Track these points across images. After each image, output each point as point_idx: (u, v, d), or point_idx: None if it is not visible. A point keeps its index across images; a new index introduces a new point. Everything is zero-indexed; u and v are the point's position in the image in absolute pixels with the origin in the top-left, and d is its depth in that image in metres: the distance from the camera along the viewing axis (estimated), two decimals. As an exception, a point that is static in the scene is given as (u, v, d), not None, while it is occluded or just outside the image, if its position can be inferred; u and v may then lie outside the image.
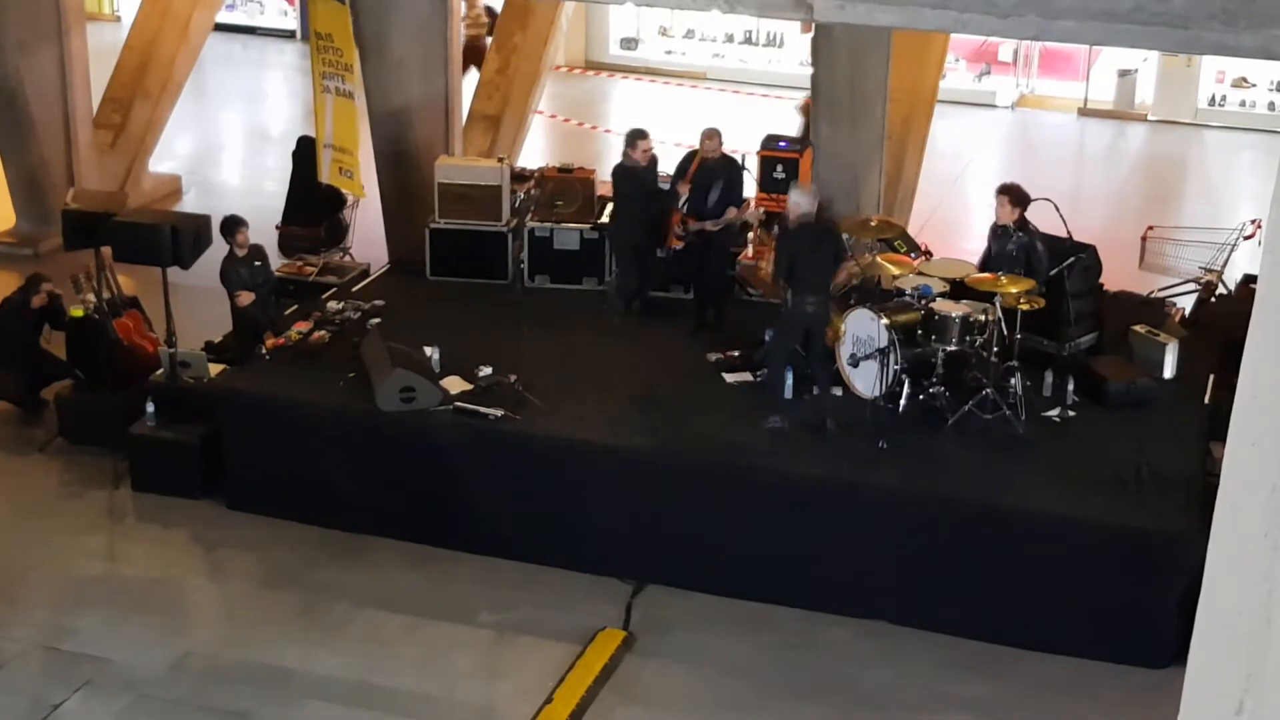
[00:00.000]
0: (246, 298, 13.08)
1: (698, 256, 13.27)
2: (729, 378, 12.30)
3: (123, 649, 10.51)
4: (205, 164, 20.94)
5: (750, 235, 14.33)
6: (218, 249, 13.19)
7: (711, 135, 13.31)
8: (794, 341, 11.92)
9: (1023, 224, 12.01)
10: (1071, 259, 12.13)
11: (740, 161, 13.68)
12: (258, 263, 13.33)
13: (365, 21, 14.52)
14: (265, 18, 27.26)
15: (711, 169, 13.22)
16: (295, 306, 13.71)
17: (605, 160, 19.49)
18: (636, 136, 13.34)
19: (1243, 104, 23.39)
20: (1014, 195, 12.08)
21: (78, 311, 13.39)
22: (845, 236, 13.01)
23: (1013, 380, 11.51)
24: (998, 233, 12.14)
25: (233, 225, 13.19)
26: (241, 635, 10.77)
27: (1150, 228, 15.35)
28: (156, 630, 10.76)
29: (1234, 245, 14.64)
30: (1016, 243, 11.94)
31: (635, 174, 13.34)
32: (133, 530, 12.20)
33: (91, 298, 13.38)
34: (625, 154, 13.42)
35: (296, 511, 11.99)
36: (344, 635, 10.75)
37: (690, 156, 13.55)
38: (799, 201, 11.82)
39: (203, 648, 10.63)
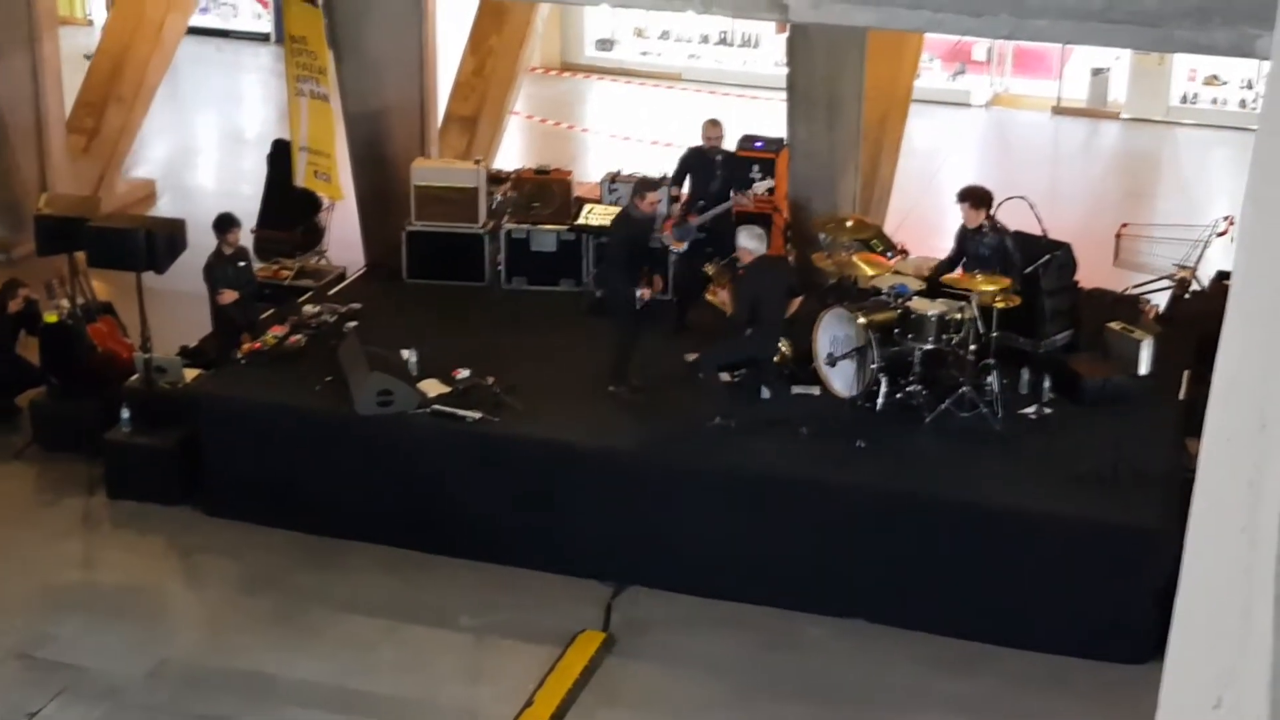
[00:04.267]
0: (229, 296, 13.04)
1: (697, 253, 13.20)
2: (706, 378, 12.30)
3: (100, 656, 10.47)
4: (180, 168, 20.88)
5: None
6: (192, 254, 13.14)
7: (715, 124, 13.45)
8: (729, 361, 11.92)
9: (992, 224, 12.05)
10: (1047, 257, 12.16)
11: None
12: (242, 264, 13.30)
13: (340, 24, 14.48)
14: (239, 21, 27.17)
15: (712, 160, 13.30)
16: (272, 310, 13.67)
17: (582, 162, 19.53)
18: (646, 188, 12.44)
19: (1214, 101, 23.47)
20: (975, 198, 12.13)
21: (52, 317, 13.33)
22: (822, 236, 13.03)
23: (989, 378, 11.54)
24: (969, 235, 12.17)
25: (226, 224, 13.17)
26: (220, 641, 10.74)
27: (1124, 225, 15.39)
28: (134, 637, 10.72)
29: (1207, 242, 14.67)
30: (988, 243, 11.98)
31: (637, 224, 12.52)
32: (109, 537, 12.16)
33: (65, 303, 13.33)
34: (632, 203, 12.48)
35: (274, 516, 11.95)
36: (323, 640, 10.72)
37: (686, 159, 13.54)
38: (748, 246, 11.70)
39: (181, 654, 10.60)
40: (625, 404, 11.97)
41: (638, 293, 12.05)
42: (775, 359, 11.95)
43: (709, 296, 12.43)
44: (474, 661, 10.68)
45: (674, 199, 13.51)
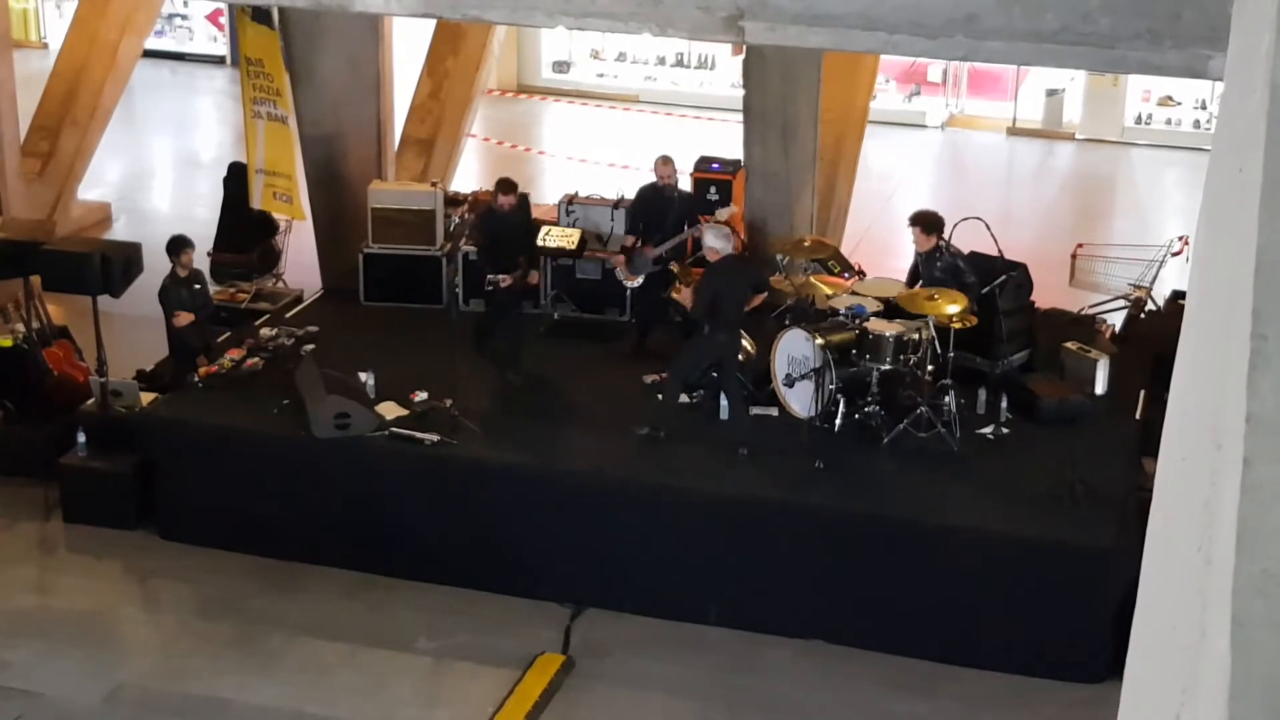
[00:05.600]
0: (185, 318, 12.96)
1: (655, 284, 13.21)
2: (665, 399, 12.30)
3: (55, 682, 10.38)
4: (135, 191, 20.78)
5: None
6: (149, 277, 13.08)
7: (666, 161, 13.38)
8: (696, 369, 11.97)
9: (946, 247, 12.11)
10: (1003, 277, 12.22)
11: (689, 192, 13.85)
12: (197, 286, 13.23)
13: (295, 46, 14.46)
14: (195, 44, 27.09)
15: (668, 197, 13.28)
16: (228, 333, 13.61)
17: (538, 184, 19.54)
18: (506, 188, 12.79)
19: (1169, 122, 23.65)
20: (924, 223, 12.19)
21: (6, 341, 13.23)
22: (779, 257, 13.06)
23: (947, 398, 11.58)
24: (922, 259, 12.25)
25: (179, 245, 13.08)
26: (176, 666, 10.66)
27: (1080, 245, 15.47)
28: (90, 663, 10.63)
29: (1162, 262, 14.78)
30: (942, 266, 12.05)
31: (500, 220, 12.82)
32: (64, 562, 12.06)
33: (20, 327, 13.24)
34: (495, 202, 12.87)
35: (231, 540, 11.88)
36: (281, 664, 10.66)
37: (642, 198, 13.54)
38: (715, 245, 11.75)
39: (137, 679, 10.52)
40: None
41: (496, 277, 12.47)
42: (741, 358, 11.96)
43: (673, 293, 12.45)
44: (432, 685, 10.63)
45: (626, 247, 13.45)
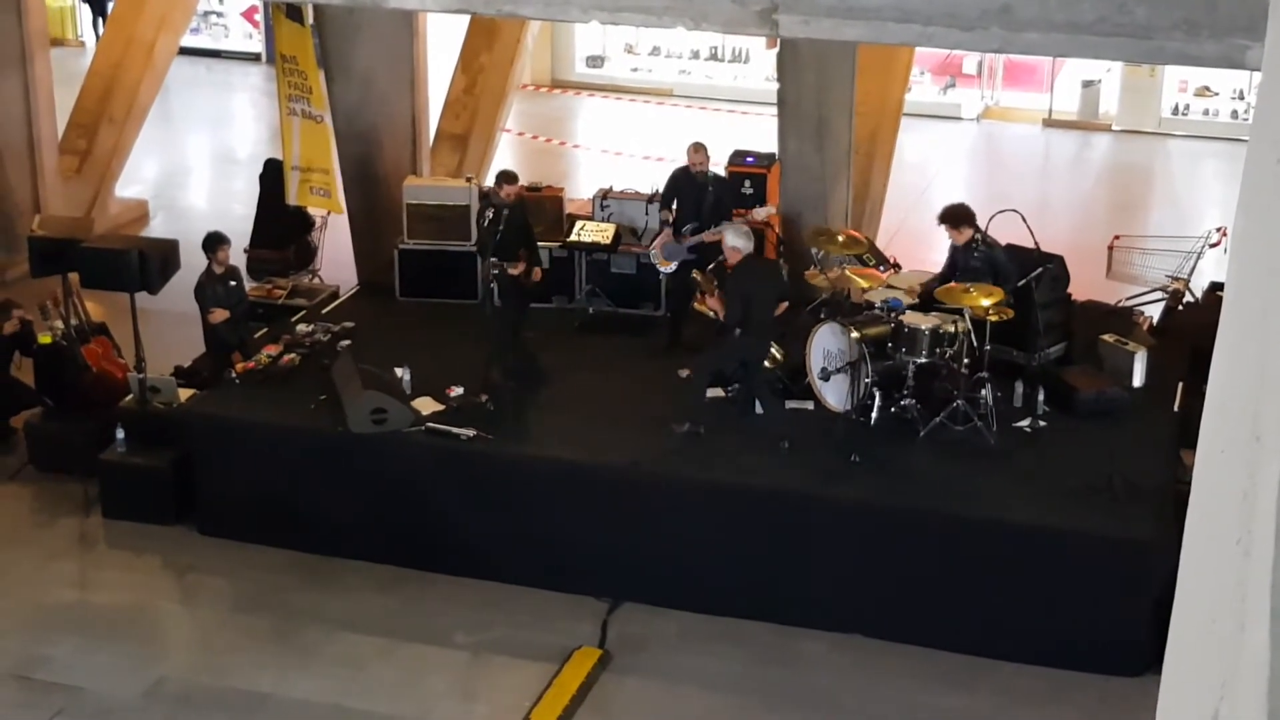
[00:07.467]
0: (220, 315, 13.02)
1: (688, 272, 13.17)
2: (700, 393, 12.30)
3: (95, 677, 10.45)
4: (172, 188, 20.88)
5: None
6: (186, 274, 13.14)
7: (698, 149, 13.36)
8: (721, 366, 11.96)
9: (982, 238, 12.05)
10: (1039, 269, 12.16)
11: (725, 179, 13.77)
12: (233, 283, 13.28)
13: (330, 42, 14.51)
14: (230, 41, 27.21)
15: (701, 183, 13.26)
16: (265, 329, 13.66)
17: (574, 178, 19.55)
18: (506, 180, 12.88)
19: (1206, 113, 23.51)
20: (954, 219, 12.10)
21: (46, 338, 13.31)
22: (814, 250, 13.05)
23: (983, 391, 11.54)
24: (959, 251, 12.19)
25: (215, 242, 13.14)
26: (215, 661, 10.72)
27: (1117, 237, 15.40)
28: (129, 657, 10.70)
29: (1200, 253, 14.69)
30: (980, 257, 11.98)
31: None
32: (104, 557, 12.14)
33: (59, 324, 13.31)
34: (494, 192, 12.99)
35: (269, 535, 11.94)
36: (318, 659, 10.71)
37: (675, 180, 13.52)
38: (736, 244, 11.73)
39: (176, 674, 10.58)
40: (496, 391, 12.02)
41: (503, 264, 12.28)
42: (767, 363, 11.95)
43: (697, 305, 12.43)
44: (469, 679, 10.66)
45: (664, 222, 13.48)
